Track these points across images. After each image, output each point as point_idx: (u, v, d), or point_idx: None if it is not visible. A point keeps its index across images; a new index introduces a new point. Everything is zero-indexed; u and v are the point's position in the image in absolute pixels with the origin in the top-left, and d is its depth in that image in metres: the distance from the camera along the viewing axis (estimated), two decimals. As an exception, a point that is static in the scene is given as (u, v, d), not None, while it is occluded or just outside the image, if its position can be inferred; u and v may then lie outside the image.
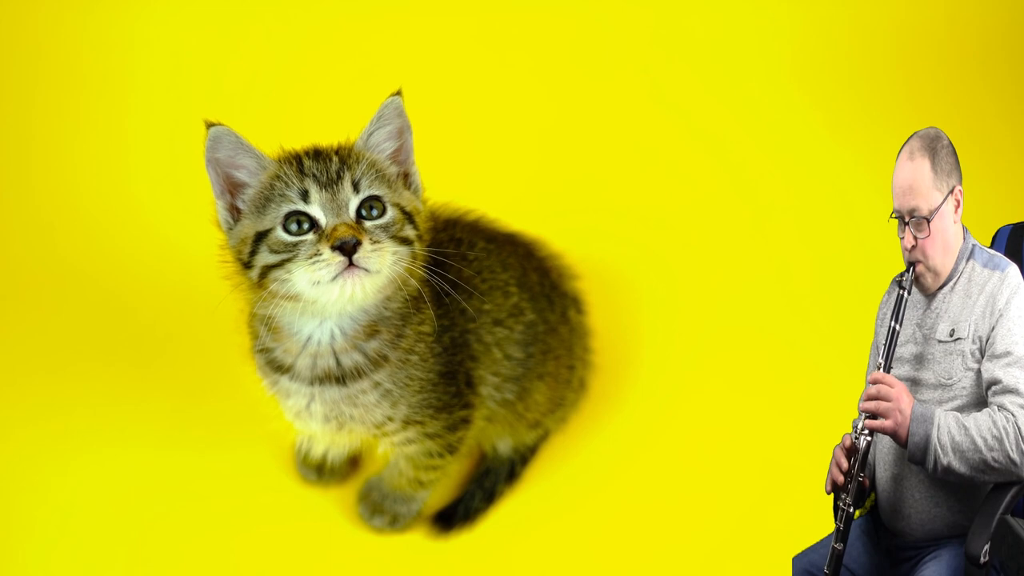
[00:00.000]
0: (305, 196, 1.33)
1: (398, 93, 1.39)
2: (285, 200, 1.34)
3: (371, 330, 1.42)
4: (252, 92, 2.11)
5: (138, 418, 1.73)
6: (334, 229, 1.31)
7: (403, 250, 1.36)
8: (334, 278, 1.31)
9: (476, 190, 1.80)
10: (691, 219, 2.00)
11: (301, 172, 1.35)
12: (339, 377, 1.43)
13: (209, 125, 1.34)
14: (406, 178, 1.43)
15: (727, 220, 2.00)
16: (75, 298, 1.88)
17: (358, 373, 1.43)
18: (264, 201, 1.35)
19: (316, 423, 1.48)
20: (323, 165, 1.35)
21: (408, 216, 1.38)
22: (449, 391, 1.50)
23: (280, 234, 1.33)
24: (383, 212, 1.35)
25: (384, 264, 1.33)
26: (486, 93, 2.15)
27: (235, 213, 1.39)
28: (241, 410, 1.69)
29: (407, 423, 1.49)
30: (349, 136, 1.40)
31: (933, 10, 2.18)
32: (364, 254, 1.31)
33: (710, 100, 2.15)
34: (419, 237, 1.39)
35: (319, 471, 1.67)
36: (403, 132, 1.41)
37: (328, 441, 1.56)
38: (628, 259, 1.95)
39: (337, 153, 1.38)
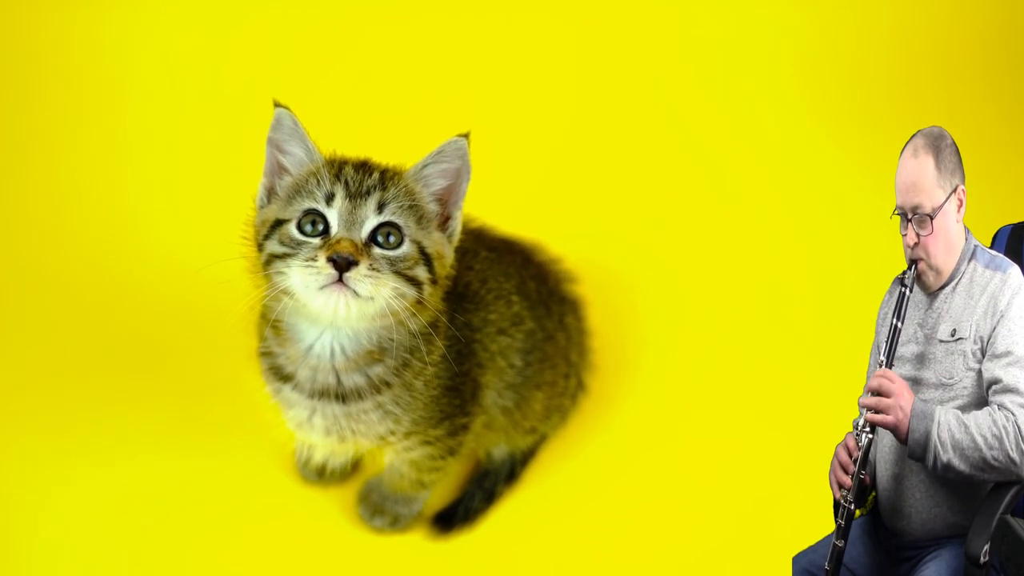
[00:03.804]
0: (330, 200, 1.32)
1: (466, 135, 1.37)
2: (311, 197, 1.33)
3: (373, 356, 1.40)
4: (249, 93, 2.11)
5: (137, 418, 1.73)
6: (337, 241, 1.30)
7: (408, 290, 1.33)
8: (322, 287, 1.29)
9: (474, 192, 1.79)
10: (691, 220, 2.00)
11: (336, 176, 1.34)
12: (339, 395, 1.42)
13: (276, 105, 1.35)
14: (446, 221, 1.40)
15: (727, 221, 2.00)
16: (77, 303, 1.87)
17: (359, 394, 1.42)
18: (295, 192, 1.35)
19: (317, 435, 1.47)
20: (359, 176, 1.34)
21: (426, 257, 1.35)
22: (454, 403, 1.49)
23: (292, 229, 1.33)
24: (399, 244, 1.33)
25: (378, 294, 1.30)
26: (485, 95, 2.14)
27: (270, 195, 1.39)
28: (242, 411, 1.69)
29: (409, 434, 1.48)
30: (401, 162, 1.38)
31: (934, 11, 2.18)
32: (356, 276, 1.28)
33: (709, 101, 2.15)
34: (432, 281, 1.36)
35: (320, 473, 1.66)
36: (459, 174, 1.38)
37: (329, 450, 1.56)
38: (628, 261, 1.95)
39: (381, 171, 1.36)
